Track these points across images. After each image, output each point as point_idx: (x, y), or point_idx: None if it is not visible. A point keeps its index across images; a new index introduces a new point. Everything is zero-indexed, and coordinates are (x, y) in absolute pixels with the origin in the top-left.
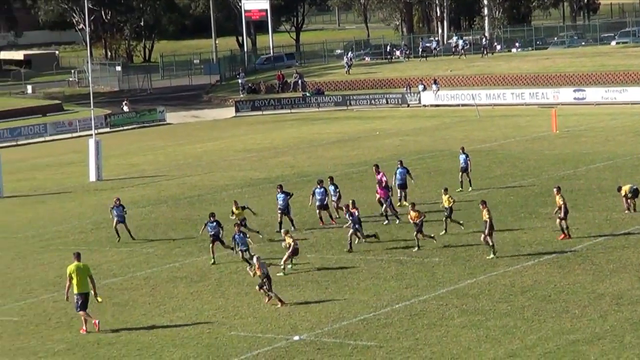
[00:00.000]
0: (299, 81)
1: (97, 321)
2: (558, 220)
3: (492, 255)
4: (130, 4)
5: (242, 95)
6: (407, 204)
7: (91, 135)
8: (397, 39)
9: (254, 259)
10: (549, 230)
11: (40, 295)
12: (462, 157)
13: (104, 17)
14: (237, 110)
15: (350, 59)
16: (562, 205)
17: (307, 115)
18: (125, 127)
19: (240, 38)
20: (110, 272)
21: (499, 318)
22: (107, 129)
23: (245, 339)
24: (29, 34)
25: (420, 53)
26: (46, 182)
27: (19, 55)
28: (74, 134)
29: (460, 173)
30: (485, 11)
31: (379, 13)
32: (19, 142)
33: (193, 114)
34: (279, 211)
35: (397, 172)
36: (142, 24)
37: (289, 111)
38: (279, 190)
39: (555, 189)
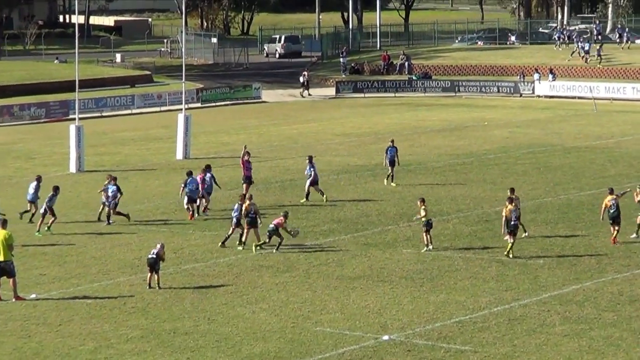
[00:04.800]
0: (406, 63)
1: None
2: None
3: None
4: None
5: (343, 76)
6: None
7: (181, 110)
8: (513, 23)
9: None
10: None
11: (116, 278)
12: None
13: None
14: (337, 91)
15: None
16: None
17: (412, 100)
18: (217, 103)
19: (345, 14)
20: (192, 257)
21: (603, 328)
22: (199, 104)
23: (331, 336)
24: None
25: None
26: (130, 157)
27: (109, 21)
28: (163, 108)
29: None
30: None
31: None
32: (104, 114)
33: (290, 92)
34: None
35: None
36: None
37: (393, 95)
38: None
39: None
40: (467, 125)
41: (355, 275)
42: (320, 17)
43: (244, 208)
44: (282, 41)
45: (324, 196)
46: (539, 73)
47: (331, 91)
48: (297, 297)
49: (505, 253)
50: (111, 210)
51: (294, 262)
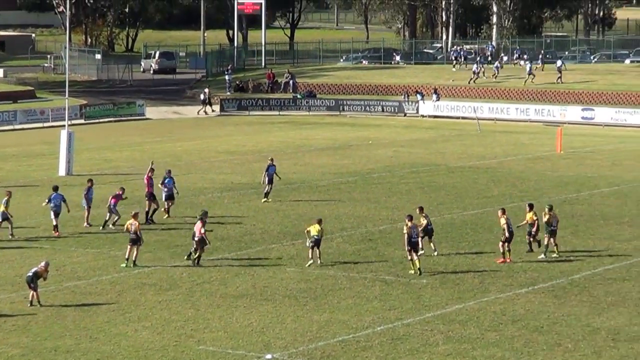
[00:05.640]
0: (290, 82)
1: None
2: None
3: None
4: None
5: (228, 93)
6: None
7: (64, 126)
8: (398, 43)
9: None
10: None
11: None
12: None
13: (86, 0)
14: (222, 109)
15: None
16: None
17: (296, 118)
18: (101, 120)
19: (230, 32)
20: (75, 275)
21: (486, 348)
22: (82, 121)
23: (213, 355)
24: (4, 14)
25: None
26: (12, 173)
27: None
28: (46, 124)
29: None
30: (494, 19)
31: (380, 14)
32: None
33: (175, 110)
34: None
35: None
36: (126, 10)
37: (277, 113)
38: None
39: (500, 211)
40: (352, 144)
41: (239, 294)
42: (206, 34)
43: (126, 227)
44: (157, 57)
45: (167, 216)
46: (421, 93)
47: (216, 109)
48: (180, 316)
49: (414, 272)
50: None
51: (177, 280)
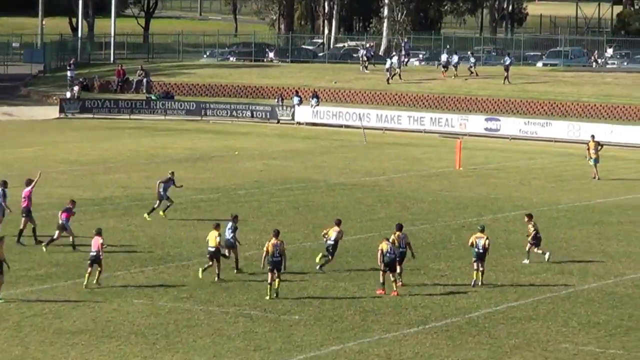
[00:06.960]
0: (144, 80)
1: None
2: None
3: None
4: None
5: (69, 93)
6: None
7: None
8: (272, 37)
9: None
10: (440, 290)
11: None
12: None
13: None
14: (62, 111)
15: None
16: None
17: (150, 123)
18: None
19: (74, 20)
20: None
21: None
22: None
23: None
24: None
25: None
26: None
27: None
28: None
29: None
30: (385, 12)
31: (252, 4)
32: None
33: (5, 110)
34: None
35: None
36: None
37: (127, 117)
38: None
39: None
40: (214, 155)
41: (76, 329)
42: (44, 22)
43: None
44: None
45: None
46: (299, 96)
47: (54, 110)
48: (5, 354)
49: (269, 297)
50: None
51: (2, 312)
